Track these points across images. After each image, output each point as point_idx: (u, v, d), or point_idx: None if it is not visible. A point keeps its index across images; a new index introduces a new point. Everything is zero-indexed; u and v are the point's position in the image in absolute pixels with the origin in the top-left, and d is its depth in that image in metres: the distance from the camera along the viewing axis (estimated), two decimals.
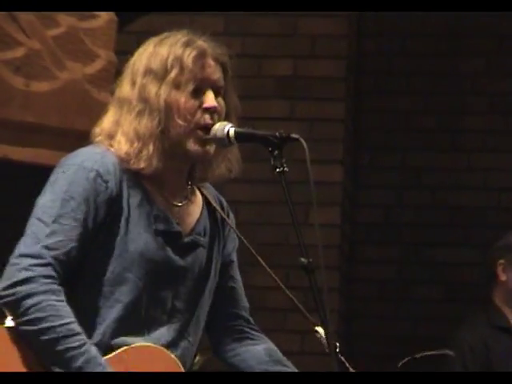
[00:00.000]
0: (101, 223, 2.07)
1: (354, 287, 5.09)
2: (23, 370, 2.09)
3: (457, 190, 5.12)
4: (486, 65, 5.20)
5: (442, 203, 5.08)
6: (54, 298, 2.00)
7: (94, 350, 2.01)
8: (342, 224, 4.87)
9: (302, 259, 1.93)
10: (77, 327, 2.01)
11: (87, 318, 2.07)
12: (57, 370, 2.01)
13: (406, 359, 3.32)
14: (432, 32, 5.28)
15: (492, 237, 4.47)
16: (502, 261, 4.00)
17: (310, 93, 4.90)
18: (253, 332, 2.30)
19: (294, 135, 2.00)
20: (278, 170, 1.99)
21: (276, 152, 2.00)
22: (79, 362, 1.99)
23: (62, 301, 2.02)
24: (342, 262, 4.87)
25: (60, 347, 1.99)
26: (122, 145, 2.07)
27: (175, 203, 2.15)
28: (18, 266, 2.01)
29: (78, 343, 2.00)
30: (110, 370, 2.02)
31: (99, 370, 2.00)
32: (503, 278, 4.02)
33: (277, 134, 2.01)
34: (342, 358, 1.99)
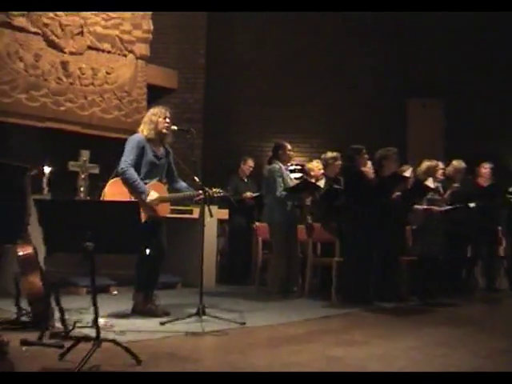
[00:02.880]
0: (141, 155, 5.84)
1: None
2: (129, 196, 5.64)
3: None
4: None
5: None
6: (134, 172, 5.74)
7: (149, 189, 5.81)
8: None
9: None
10: (143, 184, 5.79)
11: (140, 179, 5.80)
12: (139, 193, 5.73)
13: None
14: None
15: None
16: None
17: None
18: (180, 181, 6.14)
19: (191, 129, 6.02)
20: (186, 131, 5.91)
21: (187, 131, 5.94)
22: (147, 190, 5.78)
23: (137, 175, 5.79)
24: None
25: (138, 188, 5.76)
26: (145, 132, 5.97)
27: (157, 148, 5.99)
28: (122, 165, 5.71)
29: (144, 187, 5.77)
30: (151, 190, 5.80)
31: (148, 190, 5.80)
32: None
33: (186, 128, 6.05)
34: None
